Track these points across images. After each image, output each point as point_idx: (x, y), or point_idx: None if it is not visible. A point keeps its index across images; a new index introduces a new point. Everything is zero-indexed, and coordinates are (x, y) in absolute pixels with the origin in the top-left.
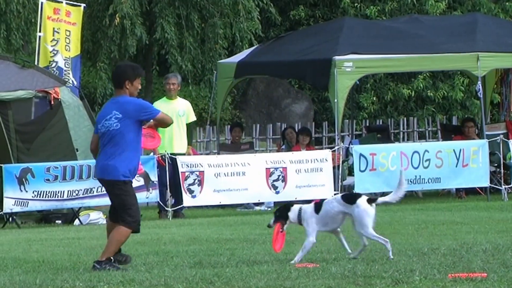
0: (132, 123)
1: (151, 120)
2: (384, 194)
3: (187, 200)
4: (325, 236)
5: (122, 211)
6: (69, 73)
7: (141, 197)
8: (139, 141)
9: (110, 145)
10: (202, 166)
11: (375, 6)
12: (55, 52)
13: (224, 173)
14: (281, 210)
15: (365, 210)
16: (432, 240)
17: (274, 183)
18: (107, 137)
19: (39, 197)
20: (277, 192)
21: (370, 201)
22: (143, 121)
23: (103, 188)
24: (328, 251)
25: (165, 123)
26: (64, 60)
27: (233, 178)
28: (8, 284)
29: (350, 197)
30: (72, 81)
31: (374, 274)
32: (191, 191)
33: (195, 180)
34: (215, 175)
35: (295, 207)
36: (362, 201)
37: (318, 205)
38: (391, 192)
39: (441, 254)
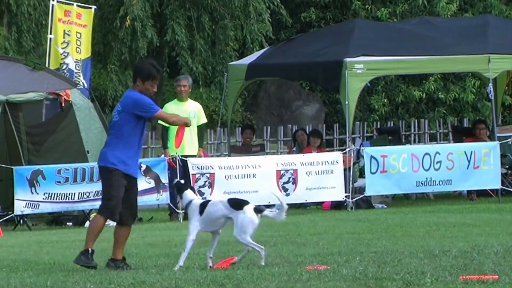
0: (129, 117)
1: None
2: (394, 196)
3: None
4: (335, 237)
5: (102, 200)
6: (79, 76)
7: (152, 199)
8: (136, 135)
9: (110, 135)
10: (212, 168)
11: (386, 8)
12: (66, 54)
13: (235, 175)
14: (184, 186)
15: (250, 218)
16: (443, 242)
17: (285, 185)
18: (110, 127)
19: (50, 199)
20: (287, 194)
21: (257, 211)
22: (143, 117)
23: None
24: (339, 253)
25: (167, 121)
26: (75, 62)
27: (244, 180)
28: (19, 286)
29: (237, 202)
30: (83, 83)
31: (385, 276)
32: (201, 193)
33: (205, 182)
34: (225, 177)
35: (190, 196)
36: (248, 209)
37: (203, 204)
38: (401, 194)
39: (452, 256)
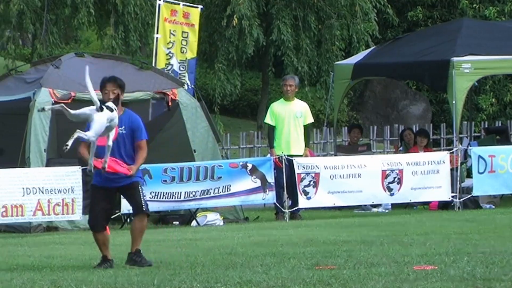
0: None
1: None
2: (503, 196)
3: (302, 202)
4: (443, 237)
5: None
6: (184, 76)
7: (258, 198)
8: None
9: None
10: (318, 167)
11: (494, 7)
12: (171, 55)
13: (340, 175)
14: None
15: None
16: None
17: (389, 185)
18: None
19: (157, 198)
20: (392, 194)
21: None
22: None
23: (220, 189)
24: (446, 254)
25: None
26: (179, 63)
27: (348, 180)
28: (126, 284)
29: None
30: (187, 83)
31: (493, 277)
32: (306, 193)
33: (310, 181)
34: (330, 176)
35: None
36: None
37: None
38: (510, 194)
39: None
